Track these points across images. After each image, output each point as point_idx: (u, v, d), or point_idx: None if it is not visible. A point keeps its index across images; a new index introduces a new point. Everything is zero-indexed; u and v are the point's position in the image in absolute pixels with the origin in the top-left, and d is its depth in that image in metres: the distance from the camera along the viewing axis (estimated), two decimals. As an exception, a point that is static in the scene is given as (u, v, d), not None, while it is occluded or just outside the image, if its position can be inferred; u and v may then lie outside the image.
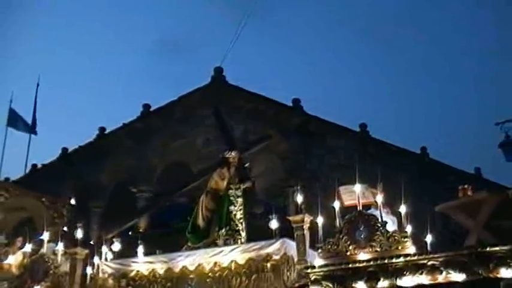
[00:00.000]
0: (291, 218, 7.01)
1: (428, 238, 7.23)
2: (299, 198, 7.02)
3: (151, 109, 17.75)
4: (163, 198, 14.87)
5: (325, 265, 6.59)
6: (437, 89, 42.79)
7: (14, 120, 15.81)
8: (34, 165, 18.46)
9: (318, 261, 6.68)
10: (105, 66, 43.53)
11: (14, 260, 8.30)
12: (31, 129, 16.06)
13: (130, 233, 13.86)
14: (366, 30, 44.66)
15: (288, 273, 7.11)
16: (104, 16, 43.19)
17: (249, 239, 7.95)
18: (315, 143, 16.07)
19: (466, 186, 6.77)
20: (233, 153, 8.61)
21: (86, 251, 7.56)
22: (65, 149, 18.65)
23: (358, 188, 6.84)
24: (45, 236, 7.68)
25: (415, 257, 6.03)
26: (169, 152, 17.19)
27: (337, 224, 6.68)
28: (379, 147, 15.66)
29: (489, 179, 15.17)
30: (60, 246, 7.63)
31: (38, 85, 17.19)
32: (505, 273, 5.52)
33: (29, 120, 16.29)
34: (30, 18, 38.76)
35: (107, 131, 18.26)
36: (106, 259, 8.07)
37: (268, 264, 7.16)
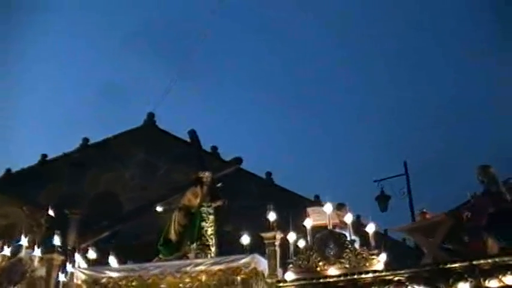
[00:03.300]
0: (263, 235, 7.09)
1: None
2: (271, 216, 7.16)
3: (89, 143, 18.29)
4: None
5: (297, 279, 6.70)
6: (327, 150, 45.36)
7: None
8: (-21, 182, 17.87)
9: (289, 276, 6.80)
10: (51, 101, 42.84)
11: (-8, 261, 7.81)
12: None
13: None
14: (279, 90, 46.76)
15: (257, 287, 7.16)
16: (60, 56, 42.96)
17: (219, 254, 7.94)
18: (230, 185, 16.72)
19: (424, 210, 7.20)
20: (206, 173, 8.67)
21: (62, 257, 7.34)
22: (8, 170, 18.34)
23: (328, 208, 7.10)
24: (24, 241, 7.47)
25: (383, 273, 6.32)
26: (101, 182, 17.58)
27: (308, 241, 6.93)
28: (281, 193, 16.57)
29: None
30: (36, 252, 7.40)
31: None
32: (462, 286, 5.94)
33: None
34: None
35: (48, 158, 18.41)
36: (79, 266, 7.76)
37: (239, 278, 7.11)
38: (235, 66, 47.04)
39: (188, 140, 17.39)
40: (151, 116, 17.93)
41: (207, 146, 17.55)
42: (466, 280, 5.92)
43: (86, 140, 18.28)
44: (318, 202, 17.05)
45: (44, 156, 18.43)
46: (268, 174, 17.68)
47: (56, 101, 42.93)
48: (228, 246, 8.07)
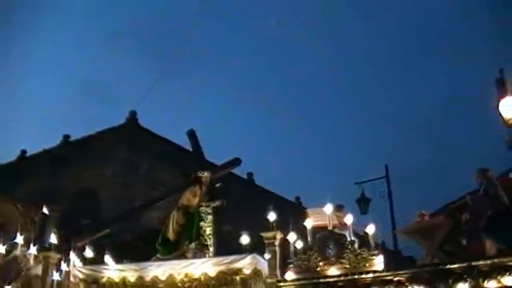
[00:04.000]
0: (263, 235, 7.11)
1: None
2: (271, 216, 7.18)
3: (71, 139, 18.09)
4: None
5: (297, 279, 6.76)
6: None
7: None
8: (-45, 178, 17.28)
9: (290, 275, 6.86)
10: (34, 98, 42.11)
11: (-13, 259, 7.64)
12: None
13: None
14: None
15: (255, 287, 7.16)
16: (43, 54, 42.21)
17: (217, 254, 7.94)
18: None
19: (423, 212, 7.29)
20: (205, 173, 8.64)
21: (59, 256, 7.23)
22: (-16, 166, 18.36)
23: (329, 209, 7.16)
24: (19, 239, 7.36)
25: (383, 273, 6.41)
26: (82, 179, 17.32)
27: (308, 241, 6.99)
28: (262, 194, 16.73)
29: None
30: (31, 250, 7.32)
31: None
32: (461, 287, 6.06)
33: None
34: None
35: (28, 154, 18.09)
36: (74, 265, 7.65)
37: (238, 278, 7.10)
38: (222, 66, 46.58)
39: (168, 138, 17.64)
40: (133, 114, 17.85)
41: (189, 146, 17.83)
42: (465, 281, 6.02)
43: (67, 136, 18.05)
44: (298, 204, 17.26)
45: (24, 152, 18.08)
46: (250, 174, 17.74)
47: (39, 98, 42.47)
48: (226, 246, 8.06)
